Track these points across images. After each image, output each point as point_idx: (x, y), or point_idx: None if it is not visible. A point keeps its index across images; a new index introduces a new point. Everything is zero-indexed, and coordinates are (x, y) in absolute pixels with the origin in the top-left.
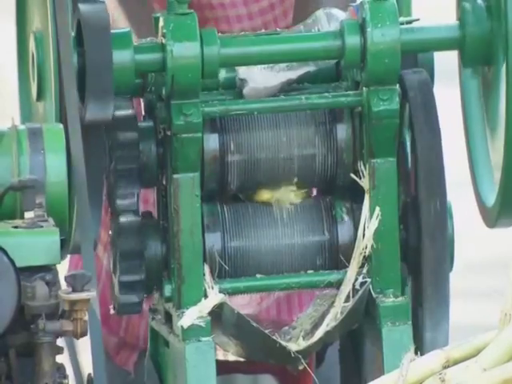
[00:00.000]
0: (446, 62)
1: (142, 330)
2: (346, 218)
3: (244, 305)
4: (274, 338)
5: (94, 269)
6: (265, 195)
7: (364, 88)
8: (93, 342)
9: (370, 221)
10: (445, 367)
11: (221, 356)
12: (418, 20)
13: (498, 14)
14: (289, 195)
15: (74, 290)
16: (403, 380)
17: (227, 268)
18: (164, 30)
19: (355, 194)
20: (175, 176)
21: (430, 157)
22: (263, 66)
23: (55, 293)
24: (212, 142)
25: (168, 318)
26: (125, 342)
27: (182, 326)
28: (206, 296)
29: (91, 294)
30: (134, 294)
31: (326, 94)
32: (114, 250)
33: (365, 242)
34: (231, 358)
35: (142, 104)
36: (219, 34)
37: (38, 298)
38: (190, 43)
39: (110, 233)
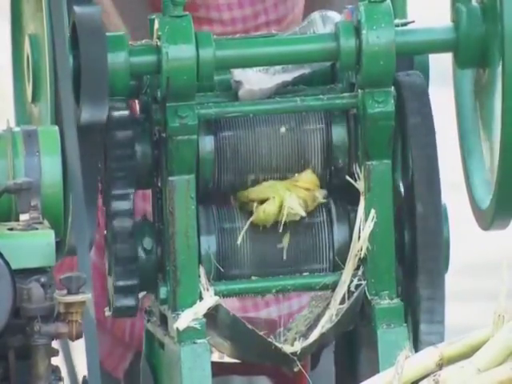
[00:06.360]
0: (441, 64)
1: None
2: (341, 220)
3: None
4: (269, 339)
5: (89, 271)
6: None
7: (359, 90)
8: (88, 344)
9: (365, 223)
10: (438, 365)
11: (216, 358)
12: (413, 22)
13: (493, 15)
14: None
15: (70, 292)
16: (398, 378)
17: (222, 270)
18: (159, 32)
19: (350, 196)
20: (170, 178)
21: (425, 159)
22: (258, 68)
23: (50, 295)
24: (207, 144)
25: (163, 320)
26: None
27: (177, 328)
28: (201, 298)
29: (86, 296)
30: (130, 297)
31: (321, 96)
32: (109, 253)
33: (360, 244)
34: (227, 359)
35: (138, 106)
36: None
37: (33, 301)
38: (185, 45)
39: (105, 234)
